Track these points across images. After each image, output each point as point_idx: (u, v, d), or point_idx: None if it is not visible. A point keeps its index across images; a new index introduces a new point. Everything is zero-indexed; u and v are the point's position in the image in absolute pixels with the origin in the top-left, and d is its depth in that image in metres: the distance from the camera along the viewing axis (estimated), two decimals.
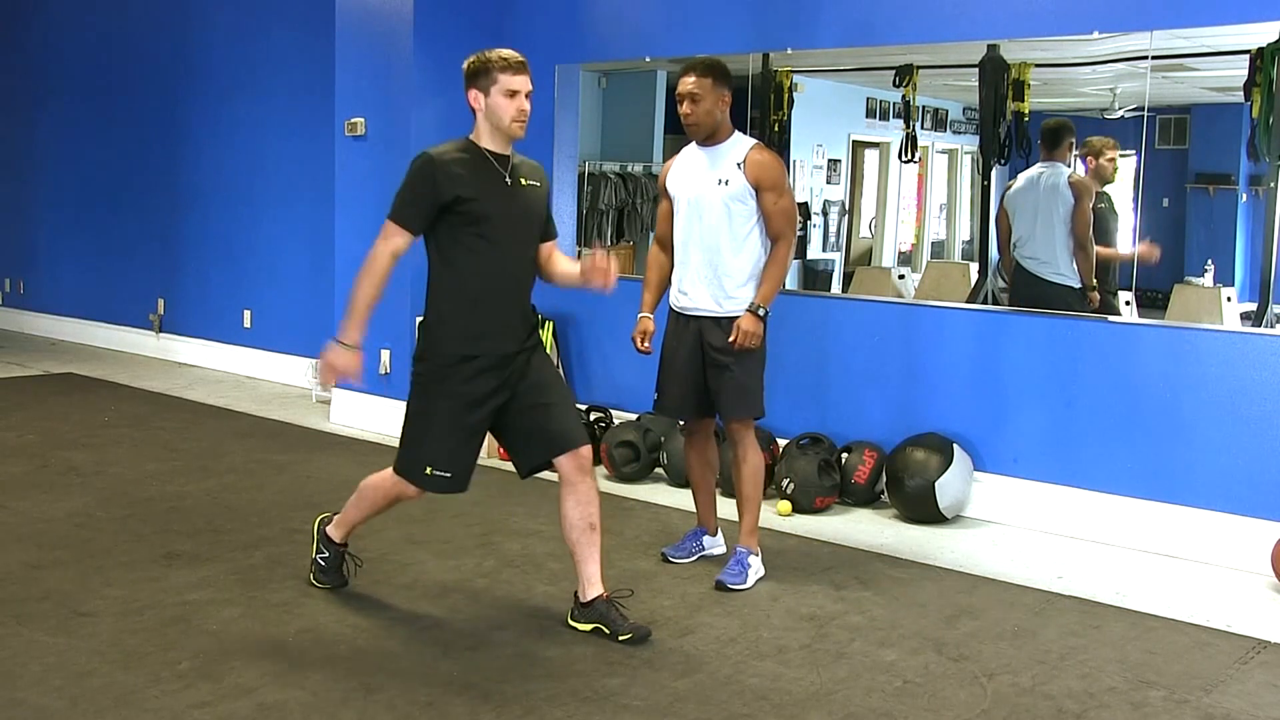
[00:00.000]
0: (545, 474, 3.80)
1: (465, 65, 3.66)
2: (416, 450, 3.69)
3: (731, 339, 4.20)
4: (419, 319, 3.78)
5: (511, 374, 3.66)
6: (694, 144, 4.34)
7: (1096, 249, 5.36)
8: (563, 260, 3.89)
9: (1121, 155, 5.54)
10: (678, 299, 4.37)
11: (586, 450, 3.70)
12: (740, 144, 4.27)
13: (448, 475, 3.66)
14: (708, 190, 4.25)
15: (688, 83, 4.19)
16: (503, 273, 3.66)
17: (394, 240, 3.63)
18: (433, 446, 3.65)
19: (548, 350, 6.37)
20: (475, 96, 3.63)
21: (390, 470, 3.78)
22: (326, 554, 4.03)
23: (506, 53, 3.62)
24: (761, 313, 4.20)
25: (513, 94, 3.59)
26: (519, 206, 3.68)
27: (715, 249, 4.24)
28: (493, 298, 3.65)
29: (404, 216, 3.62)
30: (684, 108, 4.23)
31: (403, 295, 6.54)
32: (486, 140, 3.66)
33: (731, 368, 4.25)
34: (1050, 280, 5.39)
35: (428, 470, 3.66)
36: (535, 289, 3.83)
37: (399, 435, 3.76)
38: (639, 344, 4.46)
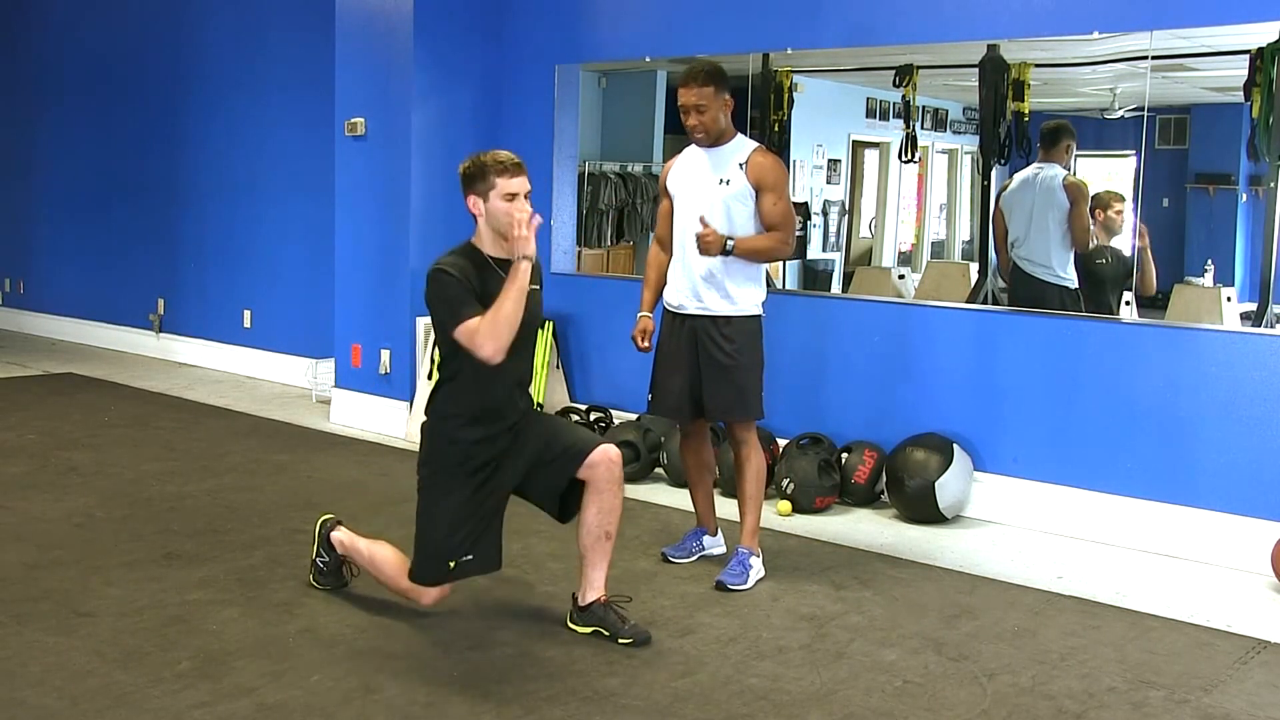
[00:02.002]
0: None
1: (461, 169, 3.61)
2: (434, 550, 3.64)
3: (697, 232, 4.15)
4: (421, 424, 3.75)
5: (509, 441, 3.67)
6: (696, 145, 4.34)
7: None
8: None
9: (1121, 155, 5.55)
10: (673, 299, 4.37)
11: (617, 454, 3.66)
12: (743, 146, 4.27)
13: (470, 558, 3.63)
14: (708, 190, 4.24)
15: (691, 94, 4.17)
16: (506, 381, 3.64)
17: (473, 323, 3.46)
18: (449, 539, 3.61)
19: (548, 350, 6.38)
20: (474, 202, 3.58)
21: (407, 567, 3.73)
22: (327, 558, 4.02)
23: (502, 155, 3.58)
24: (729, 246, 4.14)
25: (512, 197, 3.54)
26: (525, 314, 3.58)
27: None
28: (496, 405, 3.64)
29: (468, 308, 3.47)
30: (689, 119, 4.21)
31: (403, 296, 6.56)
32: (489, 246, 3.61)
33: (730, 369, 4.24)
34: (1046, 281, 5.40)
35: (451, 564, 3.63)
36: None
37: (414, 545, 3.69)
38: (639, 343, 4.46)
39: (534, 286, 3.67)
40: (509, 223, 3.50)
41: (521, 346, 3.63)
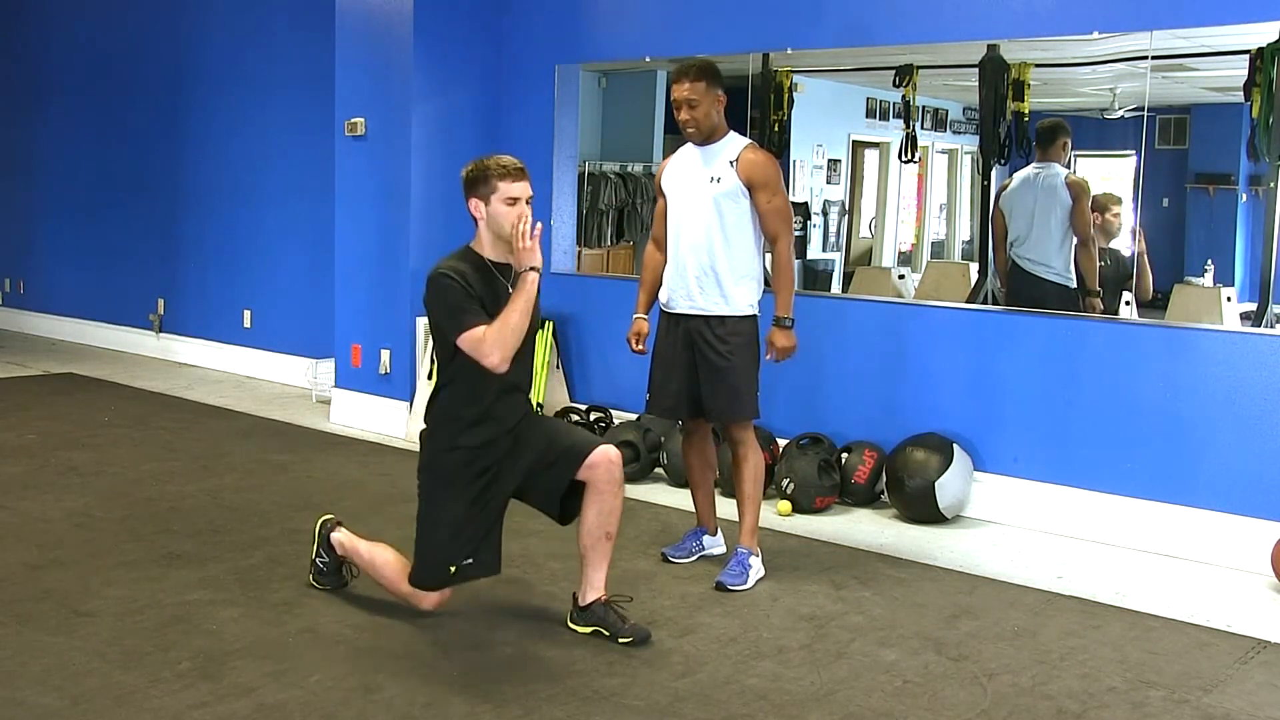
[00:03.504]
0: None
1: (464, 173, 3.63)
2: (434, 555, 3.64)
3: (769, 356, 4.27)
4: (421, 430, 3.74)
5: (509, 445, 3.67)
6: (690, 143, 4.34)
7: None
8: None
9: (1121, 155, 5.55)
10: (668, 299, 4.36)
11: (617, 455, 3.65)
12: (734, 143, 4.27)
13: (471, 561, 3.63)
14: (700, 188, 4.25)
15: (683, 89, 4.19)
16: (505, 385, 3.64)
17: (478, 332, 3.47)
18: (450, 544, 3.62)
19: (548, 350, 6.38)
20: (475, 205, 3.59)
21: (407, 571, 3.73)
22: (327, 559, 4.02)
23: (505, 160, 3.59)
24: (789, 323, 4.26)
25: (513, 201, 3.55)
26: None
27: (708, 248, 4.23)
28: (497, 409, 3.64)
29: (472, 316, 3.48)
30: (682, 114, 4.23)
31: (403, 296, 6.56)
32: (489, 250, 3.63)
33: (725, 370, 4.24)
34: (1047, 280, 5.40)
35: (451, 569, 3.63)
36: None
37: (414, 549, 3.69)
38: (633, 345, 4.47)
39: None
40: (510, 228, 3.52)
41: (521, 351, 3.62)
